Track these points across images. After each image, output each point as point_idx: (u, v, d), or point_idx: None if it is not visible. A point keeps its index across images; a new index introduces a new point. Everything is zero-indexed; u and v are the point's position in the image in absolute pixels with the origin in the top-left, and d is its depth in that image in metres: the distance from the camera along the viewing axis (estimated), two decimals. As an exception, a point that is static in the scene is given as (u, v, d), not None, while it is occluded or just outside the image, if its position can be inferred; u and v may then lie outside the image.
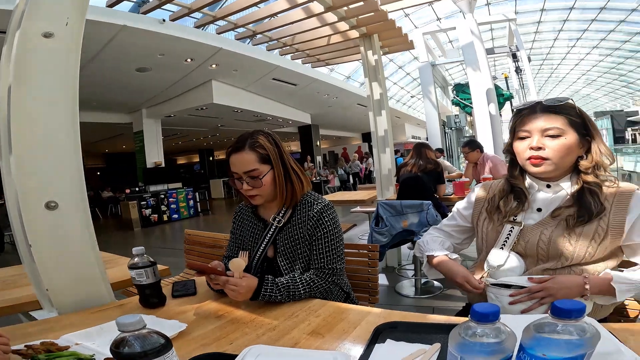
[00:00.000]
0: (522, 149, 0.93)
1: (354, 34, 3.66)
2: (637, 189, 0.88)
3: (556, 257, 0.90)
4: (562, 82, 23.08)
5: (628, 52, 17.46)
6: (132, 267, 1.05)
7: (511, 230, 0.97)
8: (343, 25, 3.47)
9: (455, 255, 1.08)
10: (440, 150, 6.03)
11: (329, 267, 1.10)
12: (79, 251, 1.14)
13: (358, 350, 0.73)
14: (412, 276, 3.24)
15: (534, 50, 17.74)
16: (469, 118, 8.89)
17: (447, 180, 3.46)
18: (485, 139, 5.77)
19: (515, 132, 0.95)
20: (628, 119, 21.10)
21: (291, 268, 1.14)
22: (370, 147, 3.97)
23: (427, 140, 6.92)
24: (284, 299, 1.02)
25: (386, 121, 3.67)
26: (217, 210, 11.16)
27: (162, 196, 8.88)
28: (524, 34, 14.30)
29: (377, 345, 0.74)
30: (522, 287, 0.90)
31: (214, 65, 7.14)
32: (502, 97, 7.87)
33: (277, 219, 1.14)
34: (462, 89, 8.34)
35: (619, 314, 1.03)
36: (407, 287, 3.09)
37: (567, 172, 0.93)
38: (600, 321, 0.87)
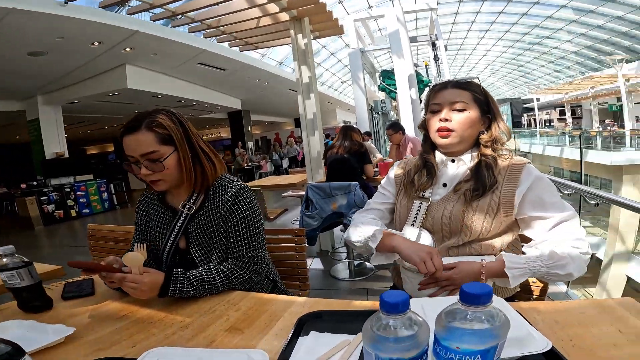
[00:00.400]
0: (432, 121, 0.98)
1: (284, 16, 3.57)
2: (529, 162, 0.94)
3: (457, 232, 0.94)
4: (472, 71, 25.56)
5: (527, 44, 19.91)
6: (1, 269, 0.87)
7: (420, 206, 1.00)
8: (273, 7, 3.36)
9: (398, 232, 1.02)
10: (368, 134, 6.27)
11: (249, 256, 1.01)
12: None
13: (280, 344, 0.67)
14: (345, 259, 3.30)
15: (451, 40, 19.26)
16: (393, 103, 9.35)
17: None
18: (407, 122, 6.15)
19: (428, 106, 1.00)
20: (524, 105, 24.30)
21: (207, 259, 1.03)
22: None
23: (357, 124, 7.11)
24: (199, 293, 0.91)
25: (315, 105, 3.68)
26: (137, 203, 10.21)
27: (68, 190, 7.90)
28: (443, 25, 15.41)
29: (300, 338, 0.68)
30: None
31: (127, 49, 6.63)
32: (422, 84, 8.39)
33: (187, 206, 1.02)
34: (387, 75, 8.66)
35: (527, 291, 1.11)
36: (342, 270, 3.12)
37: (469, 147, 0.98)
38: (508, 300, 0.91)
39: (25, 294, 0.91)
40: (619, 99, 15.51)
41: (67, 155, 8.61)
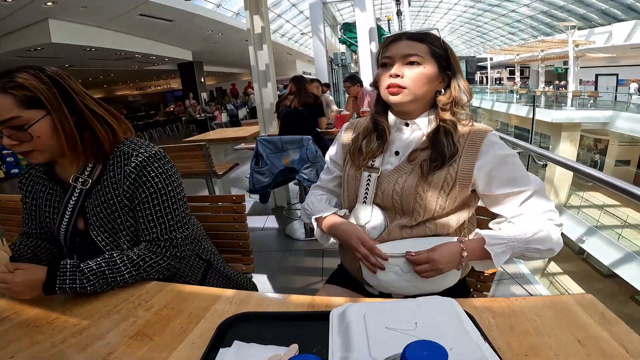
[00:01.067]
0: (383, 77, 0.84)
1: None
2: (491, 131, 0.82)
3: (409, 210, 0.83)
4: (432, 30, 25.40)
5: (487, 6, 20.01)
6: None
7: (369, 178, 0.87)
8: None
9: (344, 211, 0.92)
10: (327, 86, 6.18)
11: (165, 238, 0.83)
12: None
13: (197, 357, 0.54)
14: (300, 217, 3.22)
15: (415, -4, 18.77)
16: (354, 56, 9.26)
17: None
18: (366, 75, 6.07)
19: (379, 60, 0.86)
20: (478, 64, 24.99)
21: (114, 243, 0.85)
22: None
23: (316, 76, 6.86)
24: (100, 288, 0.74)
25: (268, 56, 3.53)
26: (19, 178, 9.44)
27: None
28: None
29: (221, 350, 0.55)
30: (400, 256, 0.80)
31: (49, 3, 6.30)
32: (382, 38, 8.21)
33: (80, 180, 0.82)
34: (349, 28, 8.61)
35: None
36: (298, 229, 2.99)
37: (424, 109, 0.85)
38: (460, 284, 0.86)
39: None
40: (566, 63, 16.29)
41: None
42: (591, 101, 12.14)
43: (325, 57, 7.67)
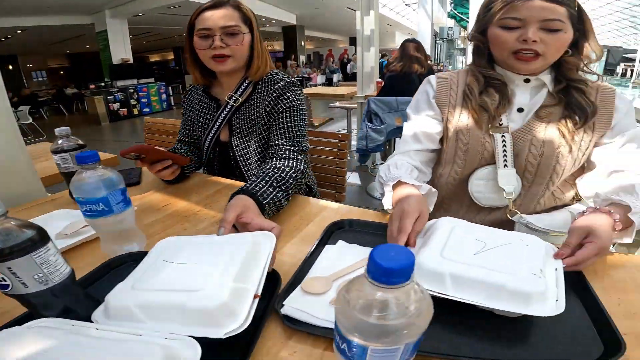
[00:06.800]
0: (509, 39, 0.72)
1: None
2: (615, 89, 0.77)
3: (546, 174, 0.77)
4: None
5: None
6: (55, 151, 0.87)
7: (504, 139, 0.78)
8: None
9: (426, 189, 0.73)
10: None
11: (295, 142, 0.95)
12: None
13: (305, 249, 0.65)
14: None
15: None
16: (462, 32, 8.39)
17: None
18: None
19: (495, 19, 0.73)
20: (624, 55, 20.69)
21: (245, 151, 1.03)
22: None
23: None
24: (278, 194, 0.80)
25: (374, 21, 3.61)
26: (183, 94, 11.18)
27: (131, 90, 8.64)
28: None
29: (327, 246, 0.67)
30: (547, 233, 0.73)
31: None
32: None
33: (233, 98, 1.02)
34: (460, 3, 7.78)
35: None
36: (378, 188, 3.05)
37: (548, 66, 0.77)
38: None
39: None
40: None
41: (131, 62, 9.22)
42: None
43: (430, 30, 7.33)
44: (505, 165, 0.78)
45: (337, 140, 1.33)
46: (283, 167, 0.85)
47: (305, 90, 4.79)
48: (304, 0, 10.80)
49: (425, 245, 0.56)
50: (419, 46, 2.80)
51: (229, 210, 0.65)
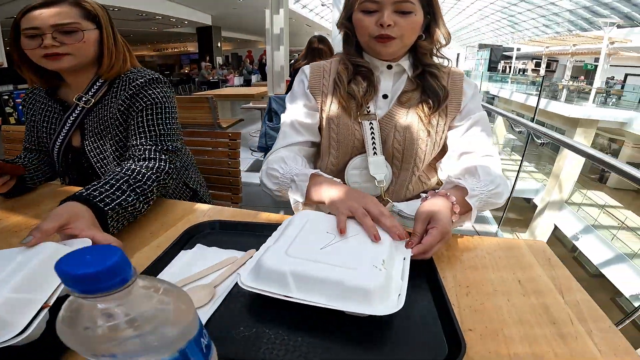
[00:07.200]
0: (369, 24, 0.73)
1: None
2: (463, 72, 0.82)
3: (410, 159, 0.79)
4: (463, 12, 24.28)
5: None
6: None
7: (372, 126, 0.78)
8: None
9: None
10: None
11: (158, 142, 0.85)
12: None
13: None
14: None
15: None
16: None
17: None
18: None
19: (357, 3, 0.75)
20: (504, 53, 24.20)
21: (101, 156, 0.91)
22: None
23: (334, 47, 6.68)
24: (132, 201, 0.70)
25: (283, 20, 3.63)
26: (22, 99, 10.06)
27: (6, 97, 7.64)
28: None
29: (182, 251, 0.59)
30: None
31: None
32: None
33: (83, 99, 0.89)
34: None
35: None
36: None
37: (406, 52, 0.80)
38: None
39: None
40: (597, 60, 15.54)
41: (6, 65, 7.87)
42: (614, 100, 11.72)
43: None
44: (375, 153, 0.79)
45: (227, 140, 1.25)
46: (139, 169, 0.76)
47: (217, 91, 4.59)
48: (219, 1, 10.50)
49: (274, 244, 0.52)
50: (322, 39, 2.85)
51: (48, 218, 0.54)
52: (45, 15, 0.80)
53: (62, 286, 0.44)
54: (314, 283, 0.44)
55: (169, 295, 0.24)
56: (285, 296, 0.44)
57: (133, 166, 0.76)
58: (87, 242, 0.52)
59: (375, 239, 0.52)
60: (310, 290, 0.44)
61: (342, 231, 0.54)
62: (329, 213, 0.63)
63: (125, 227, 0.68)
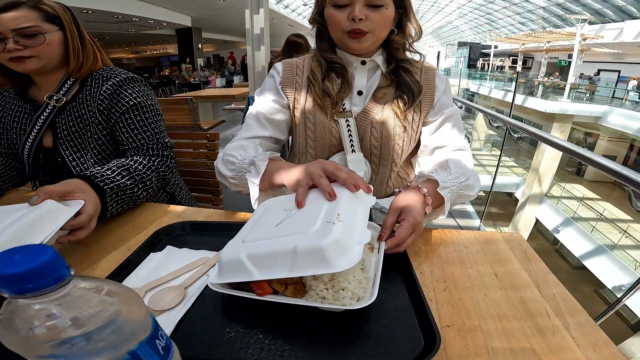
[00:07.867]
0: (341, 19, 0.72)
1: None
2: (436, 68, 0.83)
3: (388, 155, 0.78)
4: (442, 11, 24.68)
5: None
6: None
7: (348, 124, 0.77)
8: None
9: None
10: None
11: (154, 141, 0.89)
12: None
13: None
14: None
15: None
16: None
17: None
18: None
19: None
20: (482, 50, 24.77)
21: (81, 159, 0.90)
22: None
23: (312, 44, 6.71)
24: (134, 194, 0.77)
25: (263, 20, 3.62)
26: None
27: None
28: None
29: (152, 253, 0.57)
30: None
31: None
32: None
33: (54, 98, 0.88)
34: None
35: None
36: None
37: (379, 47, 0.80)
38: None
39: None
40: (570, 56, 16.05)
41: None
42: (587, 95, 12.14)
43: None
44: (353, 151, 0.78)
45: (205, 141, 1.23)
46: (141, 160, 0.82)
47: (197, 92, 4.52)
48: (200, 1, 10.41)
49: (234, 238, 0.51)
50: (299, 34, 2.84)
51: (57, 184, 0.62)
52: (5, 19, 0.81)
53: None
54: (270, 259, 0.42)
55: (114, 295, 0.23)
56: (252, 297, 0.43)
57: (135, 158, 0.83)
58: (81, 204, 0.60)
59: (330, 196, 0.51)
60: (269, 267, 0.42)
61: (299, 204, 0.52)
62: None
63: (125, 211, 0.74)
